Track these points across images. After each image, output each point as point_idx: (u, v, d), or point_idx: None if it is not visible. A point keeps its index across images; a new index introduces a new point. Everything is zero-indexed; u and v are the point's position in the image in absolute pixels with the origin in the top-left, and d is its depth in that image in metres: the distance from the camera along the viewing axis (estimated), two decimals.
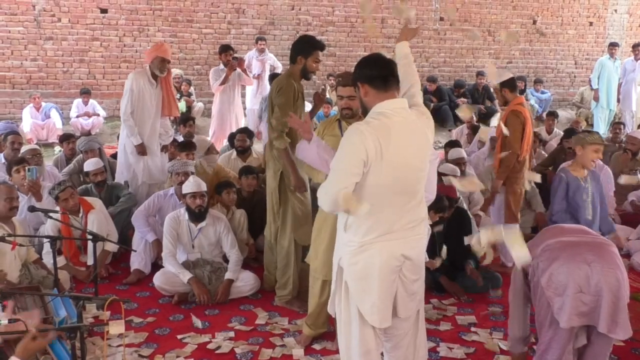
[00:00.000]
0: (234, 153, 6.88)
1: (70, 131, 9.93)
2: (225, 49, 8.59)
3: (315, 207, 3.94)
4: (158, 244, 5.17)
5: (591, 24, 14.08)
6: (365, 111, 2.88)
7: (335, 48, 12.25)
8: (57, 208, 4.93)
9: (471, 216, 5.58)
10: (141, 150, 5.99)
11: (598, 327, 3.12)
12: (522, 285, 3.47)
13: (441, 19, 12.91)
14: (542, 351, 3.29)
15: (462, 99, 11.89)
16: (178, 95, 10.48)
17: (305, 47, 4.31)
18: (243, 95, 9.82)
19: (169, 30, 11.25)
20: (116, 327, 3.02)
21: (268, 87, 9.86)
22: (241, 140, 6.77)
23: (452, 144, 6.93)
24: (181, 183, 5.22)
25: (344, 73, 3.86)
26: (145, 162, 6.07)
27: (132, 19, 11.03)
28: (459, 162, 6.25)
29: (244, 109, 9.75)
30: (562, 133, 8.67)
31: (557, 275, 3.14)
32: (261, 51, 10.11)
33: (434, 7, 12.83)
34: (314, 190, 4.98)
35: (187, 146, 6.31)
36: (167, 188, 5.70)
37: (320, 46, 4.37)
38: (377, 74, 2.79)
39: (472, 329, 4.33)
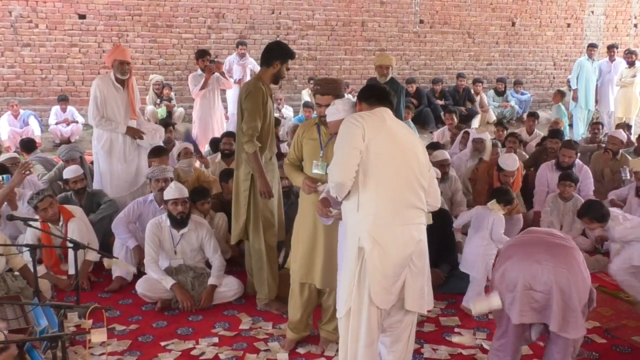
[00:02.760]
0: (219, 156, 6.87)
1: (50, 138, 9.90)
2: (202, 54, 8.52)
3: (294, 210, 3.96)
4: (139, 250, 5.14)
5: (569, 25, 14.26)
6: None
7: (316, 52, 12.28)
8: (37, 217, 4.88)
9: (453, 218, 5.61)
10: (133, 132, 5.94)
11: (550, 325, 3.20)
12: None
13: (421, 21, 13.00)
14: (495, 342, 3.43)
15: (442, 101, 11.95)
16: (158, 100, 10.47)
17: (283, 54, 4.39)
18: (224, 100, 9.83)
19: (149, 35, 11.19)
20: (98, 336, 3.00)
21: None
22: (227, 143, 6.76)
23: (435, 146, 6.96)
24: (161, 189, 5.19)
25: (322, 80, 3.88)
26: (117, 171, 5.98)
27: (110, 25, 10.97)
28: (443, 164, 6.28)
29: (226, 113, 9.76)
30: (542, 134, 8.77)
31: (509, 272, 3.26)
32: (242, 56, 10.16)
33: (413, 9, 12.91)
34: (296, 195, 5.02)
35: (156, 153, 6.20)
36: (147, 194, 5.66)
37: (293, 54, 4.50)
38: (375, 94, 3.26)
39: (456, 329, 4.36)
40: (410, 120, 9.90)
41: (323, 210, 3.31)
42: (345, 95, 4.00)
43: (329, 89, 3.73)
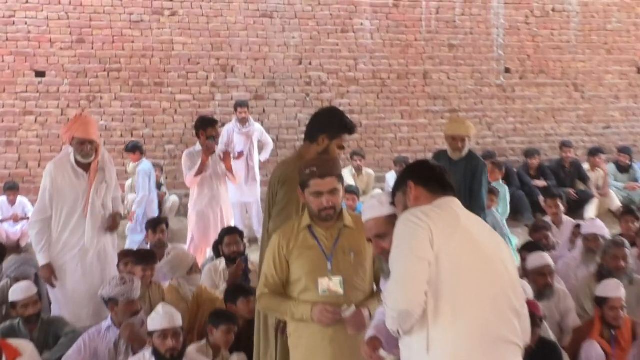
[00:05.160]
0: (223, 263, 6.85)
1: None
2: (206, 123, 8.30)
3: None
4: None
5: None
6: None
7: (361, 115, 12.37)
8: None
9: (564, 352, 5.46)
10: (45, 274, 5.96)
11: None
12: None
13: (507, 70, 13.09)
14: None
15: (541, 181, 11.85)
16: None
17: (334, 126, 4.44)
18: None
19: (130, 97, 11.44)
20: None
21: (258, 171, 10.02)
22: (232, 243, 6.75)
23: (532, 247, 6.88)
24: (129, 312, 5.25)
25: (315, 161, 3.91)
26: (72, 291, 6.03)
27: (78, 84, 11.25)
28: (543, 272, 6.17)
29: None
30: None
31: None
32: (243, 122, 10.22)
33: (495, 54, 13.03)
34: None
35: (145, 257, 6.22)
36: None
37: (350, 128, 4.50)
38: (436, 176, 3.22)
39: None
40: (494, 209, 9.83)
41: (372, 356, 3.26)
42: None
43: (329, 168, 3.80)
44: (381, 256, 3.27)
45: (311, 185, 3.78)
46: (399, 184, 3.29)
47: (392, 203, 3.37)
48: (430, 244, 2.91)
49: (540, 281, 6.13)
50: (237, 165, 9.70)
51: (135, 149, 10.13)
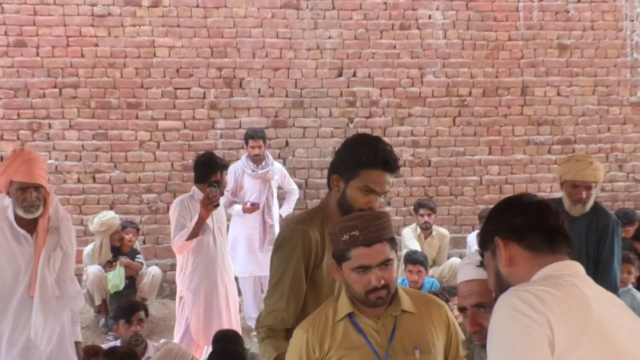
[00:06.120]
0: None
1: None
2: (210, 167, 8.17)
3: None
4: None
5: None
6: (501, 291, 2.94)
7: (430, 149, 12.44)
8: None
9: None
10: None
11: None
12: None
13: None
14: None
15: None
16: (111, 256, 10.46)
17: (349, 160, 4.29)
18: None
19: (92, 124, 11.54)
20: None
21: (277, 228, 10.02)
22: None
23: None
24: None
25: (359, 218, 3.78)
26: None
27: (16, 106, 11.37)
28: None
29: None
30: None
31: None
32: (257, 160, 10.14)
33: (629, 58, 12.93)
34: None
35: (123, 359, 6.30)
36: None
37: (380, 161, 4.23)
38: (535, 224, 3.06)
39: None
40: (631, 286, 9.77)
41: None
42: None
43: (377, 230, 3.70)
44: (474, 338, 3.24)
45: (353, 257, 3.67)
46: (485, 241, 3.18)
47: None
48: (549, 349, 2.70)
49: None
50: (249, 222, 9.70)
51: None
